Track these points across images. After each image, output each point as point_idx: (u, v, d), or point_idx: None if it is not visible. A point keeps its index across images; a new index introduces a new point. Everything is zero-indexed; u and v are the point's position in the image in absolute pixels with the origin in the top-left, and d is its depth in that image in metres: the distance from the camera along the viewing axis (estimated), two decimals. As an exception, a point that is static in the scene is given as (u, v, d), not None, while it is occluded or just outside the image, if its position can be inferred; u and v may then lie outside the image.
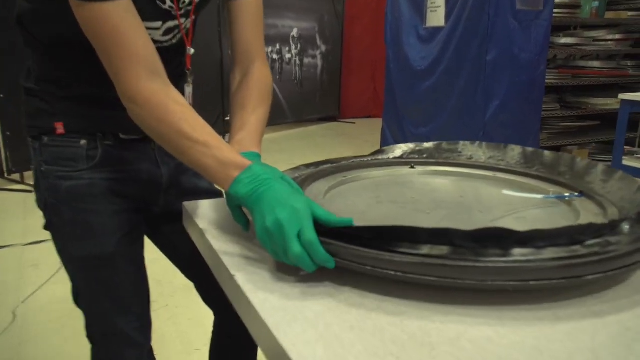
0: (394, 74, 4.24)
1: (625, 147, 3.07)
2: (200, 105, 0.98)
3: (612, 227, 0.71)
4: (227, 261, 0.77)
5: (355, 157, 1.14)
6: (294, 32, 6.32)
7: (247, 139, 0.92)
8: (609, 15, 3.93)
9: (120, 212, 1.00)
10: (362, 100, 7.34)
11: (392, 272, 0.64)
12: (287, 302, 0.65)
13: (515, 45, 3.36)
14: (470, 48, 3.47)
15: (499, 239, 0.64)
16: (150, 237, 1.19)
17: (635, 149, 3.57)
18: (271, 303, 0.65)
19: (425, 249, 0.64)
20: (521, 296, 0.66)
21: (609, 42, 3.96)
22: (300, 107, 6.55)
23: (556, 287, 0.64)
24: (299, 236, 0.67)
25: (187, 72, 1.03)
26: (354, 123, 7.06)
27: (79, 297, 1.04)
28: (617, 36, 3.93)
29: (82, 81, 0.96)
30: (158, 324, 2.26)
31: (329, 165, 1.08)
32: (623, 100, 2.82)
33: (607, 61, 4.16)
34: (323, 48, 6.67)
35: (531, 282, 0.62)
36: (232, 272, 0.73)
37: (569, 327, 0.60)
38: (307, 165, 1.08)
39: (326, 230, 0.69)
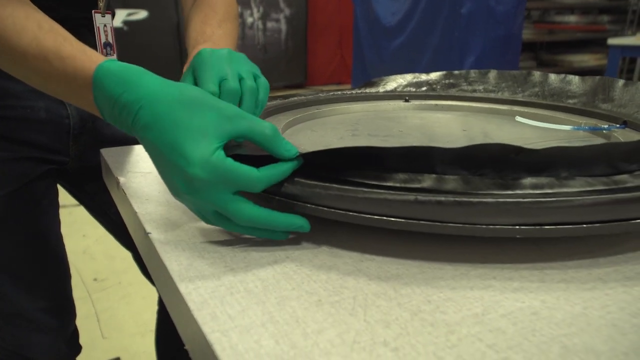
0: (363, 33, 4.00)
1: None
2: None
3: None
4: (144, 215, 0.55)
5: (336, 90, 0.92)
6: (256, -6, 5.99)
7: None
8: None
9: (4, 161, 0.75)
10: (329, 67, 7.08)
11: (342, 212, 0.43)
12: (221, 268, 0.43)
13: (491, -4, 3.15)
14: (443, 1, 3.24)
15: (499, 160, 0.42)
16: (77, 200, 0.96)
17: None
18: (197, 270, 0.43)
19: (395, 179, 0.43)
20: (568, 248, 0.46)
21: (587, -6, 3.79)
22: (265, 74, 6.04)
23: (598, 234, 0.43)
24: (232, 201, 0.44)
25: None
26: (322, 91, 6.82)
27: None
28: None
29: None
30: (109, 303, 2.05)
31: (298, 97, 0.86)
32: (612, 46, 2.64)
33: (584, 15, 3.99)
34: (287, 12, 6.35)
35: (556, 227, 0.41)
36: (148, 228, 0.51)
37: (648, 290, 0.39)
38: (272, 98, 0.85)
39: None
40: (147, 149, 0.46)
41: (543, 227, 0.40)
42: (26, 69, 0.52)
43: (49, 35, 0.50)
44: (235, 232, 0.48)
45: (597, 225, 0.41)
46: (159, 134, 0.43)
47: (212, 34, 0.70)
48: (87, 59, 0.48)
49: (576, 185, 0.42)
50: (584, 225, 0.40)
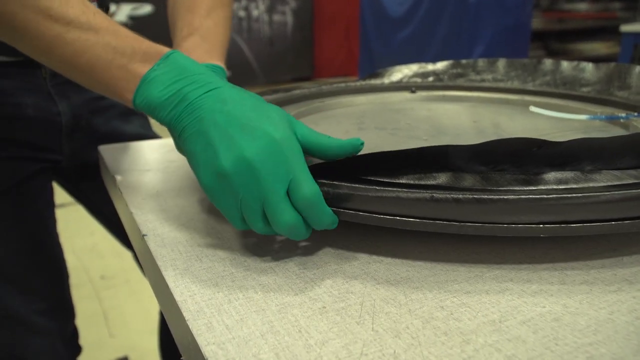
0: (369, 24, 3.96)
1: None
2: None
3: None
4: (140, 216, 0.52)
5: (339, 82, 0.89)
6: (261, -13, 5.96)
7: (203, 47, 0.62)
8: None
9: None
10: (337, 60, 7.04)
11: (353, 212, 0.40)
12: (219, 273, 0.41)
13: (500, -16, 3.10)
14: (451, -10, 3.20)
15: (519, 154, 0.40)
16: (74, 198, 0.94)
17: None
18: (194, 275, 0.40)
19: (409, 177, 0.41)
20: (589, 246, 0.43)
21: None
22: (271, 67, 6.23)
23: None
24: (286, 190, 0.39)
25: None
26: (327, 83, 6.78)
27: None
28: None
29: None
30: (117, 301, 2.04)
31: (302, 90, 0.83)
32: (625, 34, 2.58)
33: (594, 3, 3.93)
34: (293, 4, 6.31)
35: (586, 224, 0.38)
36: (143, 230, 0.49)
37: (679, 292, 0.36)
38: (275, 90, 0.82)
39: None
40: (216, 120, 0.41)
41: (569, 225, 0.37)
42: (57, 39, 0.46)
43: (99, 15, 0.47)
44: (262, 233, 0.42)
45: (628, 222, 0.38)
46: (240, 104, 0.42)
47: (200, 25, 0.65)
48: (151, 44, 0.48)
49: (603, 180, 0.39)
50: (613, 223, 0.38)
